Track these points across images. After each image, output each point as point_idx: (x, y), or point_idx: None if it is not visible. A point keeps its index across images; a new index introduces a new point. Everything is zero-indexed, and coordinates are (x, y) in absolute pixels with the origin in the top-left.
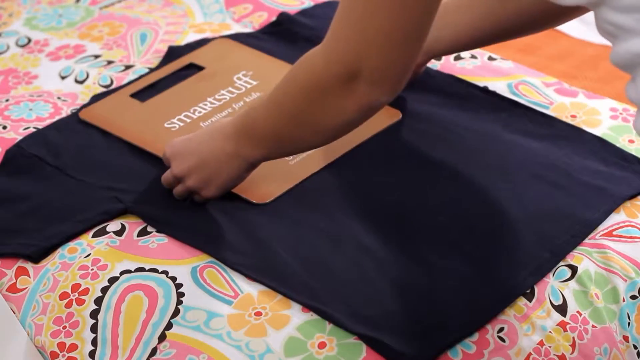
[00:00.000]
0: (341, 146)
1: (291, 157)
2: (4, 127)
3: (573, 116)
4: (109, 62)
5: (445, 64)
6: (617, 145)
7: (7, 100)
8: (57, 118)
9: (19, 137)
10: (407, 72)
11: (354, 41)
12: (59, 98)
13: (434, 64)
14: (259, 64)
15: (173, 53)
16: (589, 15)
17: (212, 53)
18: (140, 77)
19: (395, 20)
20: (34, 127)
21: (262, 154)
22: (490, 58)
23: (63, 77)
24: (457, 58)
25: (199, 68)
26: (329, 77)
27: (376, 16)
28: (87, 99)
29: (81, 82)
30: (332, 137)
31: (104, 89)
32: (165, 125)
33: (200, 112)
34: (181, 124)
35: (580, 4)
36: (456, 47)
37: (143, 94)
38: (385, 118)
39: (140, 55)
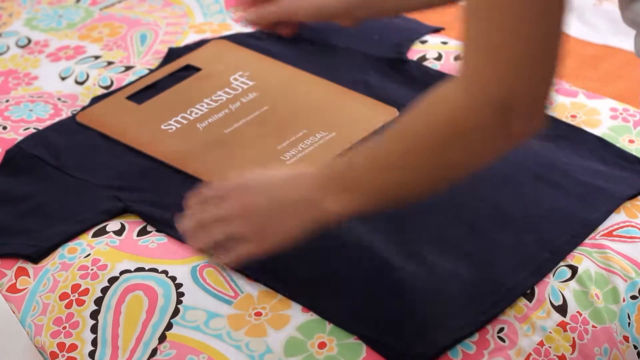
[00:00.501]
0: (339, 145)
1: (288, 157)
2: (4, 128)
3: (573, 116)
4: (109, 63)
5: (445, 64)
6: (617, 145)
7: (7, 101)
8: (57, 119)
9: (19, 138)
10: (552, 95)
11: (503, 72)
12: (59, 99)
13: (434, 64)
14: (256, 65)
15: (173, 54)
16: (590, 16)
17: (208, 54)
18: (138, 79)
19: (541, 42)
20: (35, 128)
21: (352, 208)
22: None
23: (63, 78)
24: (458, 58)
25: (196, 69)
26: (477, 116)
27: (523, 40)
28: (87, 100)
29: (81, 83)
30: (459, 180)
31: (104, 90)
32: (162, 127)
33: (197, 113)
34: (178, 126)
35: None
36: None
37: (140, 96)
38: (382, 115)
39: (141, 56)
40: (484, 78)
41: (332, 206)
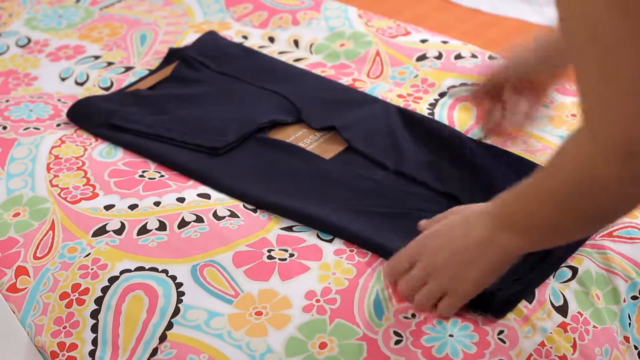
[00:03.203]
0: None
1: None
2: (4, 128)
3: (574, 115)
4: (109, 64)
5: (445, 63)
6: None
7: (7, 101)
8: (57, 120)
9: (19, 137)
10: None
11: (626, 118)
12: (59, 100)
13: (434, 62)
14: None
15: (173, 55)
16: None
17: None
18: (139, 80)
19: None
20: (35, 128)
21: (522, 244)
22: (491, 57)
23: (63, 79)
24: (458, 57)
25: None
26: (606, 165)
27: (629, 79)
28: None
29: (81, 84)
30: (609, 224)
31: (104, 92)
32: None
33: None
34: None
35: None
36: None
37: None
38: None
39: (141, 57)
40: (608, 127)
41: (504, 240)
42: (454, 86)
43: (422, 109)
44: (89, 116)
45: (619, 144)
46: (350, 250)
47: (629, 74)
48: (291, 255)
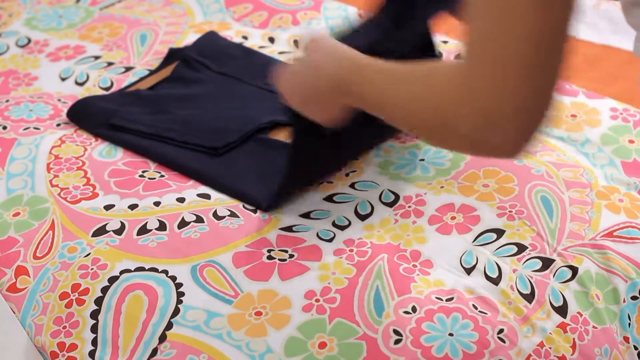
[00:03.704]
0: None
1: None
2: (4, 128)
3: (573, 115)
4: (109, 64)
5: None
6: (617, 145)
7: (7, 101)
8: (57, 120)
9: (19, 137)
10: (546, 118)
11: (494, 83)
12: (59, 100)
13: None
14: None
15: (174, 55)
16: (590, 16)
17: None
18: (140, 79)
19: (536, 65)
20: (35, 128)
21: (355, 107)
22: None
23: (63, 79)
24: (458, 57)
25: None
26: (461, 120)
27: (518, 58)
28: None
29: (81, 84)
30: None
31: (104, 92)
32: None
33: None
34: None
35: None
36: None
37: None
38: None
39: (141, 57)
40: (476, 84)
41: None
42: None
43: None
44: (89, 116)
45: (481, 106)
46: (350, 250)
47: (506, 44)
48: (291, 256)
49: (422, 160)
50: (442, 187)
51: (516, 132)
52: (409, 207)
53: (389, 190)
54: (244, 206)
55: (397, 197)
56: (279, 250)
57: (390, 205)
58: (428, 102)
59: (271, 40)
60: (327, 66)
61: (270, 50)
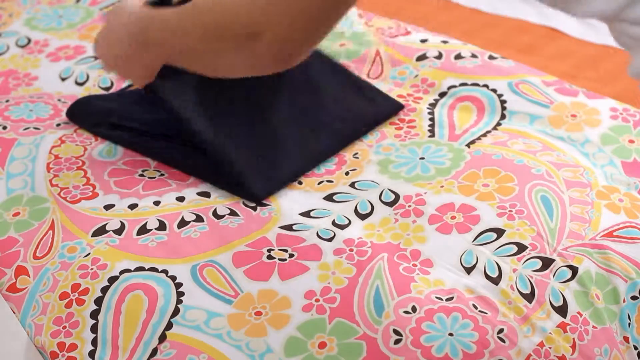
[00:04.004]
0: None
1: None
2: (4, 128)
3: (573, 115)
4: None
5: (445, 63)
6: (617, 145)
7: (7, 101)
8: (57, 119)
9: (19, 137)
10: (305, 48)
11: (256, 5)
12: (59, 100)
13: (434, 62)
14: None
15: None
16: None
17: None
18: None
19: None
20: (35, 128)
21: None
22: (490, 57)
23: (63, 79)
24: (458, 57)
25: None
26: (234, 33)
27: None
28: None
29: (81, 84)
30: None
31: (104, 91)
32: None
33: None
34: None
35: (593, 17)
36: None
37: None
38: None
39: None
40: (243, 6)
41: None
42: (454, 86)
43: (422, 109)
44: (88, 115)
45: (243, 23)
46: (349, 250)
47: None
48: (291, 255)
49: (422, 158)
50: (442, 186)
51: (278, 43)
52: (409, 206)
53: (389, 189)
54: (243, 203)
55: (397, 196)
56: (279, 249)
57: (390, 204)
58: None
59: None
60: (125, 26)
61: None
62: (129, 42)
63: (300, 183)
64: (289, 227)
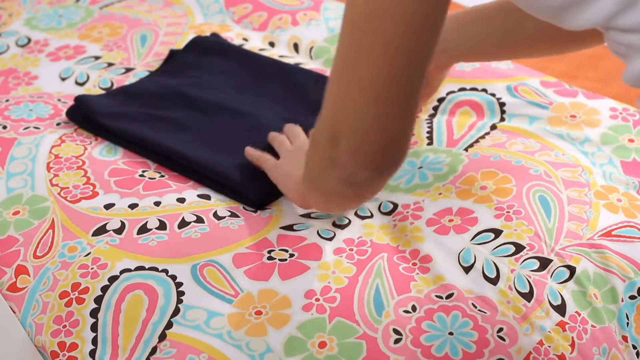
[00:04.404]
0: None
1: None
2: (4, 127)
3: (573, 116)
4: (109, 64)
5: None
6: (617, 144)
7: (7, 101)
8: (57, 119)
9: (19, 137)
10: (393, 142)
11: (334, 109)
12: (59, 100)
13: None
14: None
15: (173, 56)
16: None
17: None
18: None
19: (378, 78)
20: (35, 127)
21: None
22: None
23: (63, 79)
24: None
25: None
26: (316, 141)
27: (356, 69)
28: None
29: (81, 85)
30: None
31: (104, 92)
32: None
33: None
34: None
35: (587, 28)
36: (476, 56)
37: None
38: None
39: (141, 58)
40: (323, 113)
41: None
42: (452, 92)
43: (421, 118)
44: (88, 114)
45: (325, 128)
46: (349, 249)
47: (348, 72)
48: (291, 255)
49: (421, 168)
50: (440, 193)
51: (356, 147)
52: (407, 212)
53: (387, 201)
54: (243, 207)
55: (395, 206)
56: (279, 250)
57: (388, 214)
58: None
59: (271, 44)
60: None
61: (270, 54)
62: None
63: None
64: (289, 227)
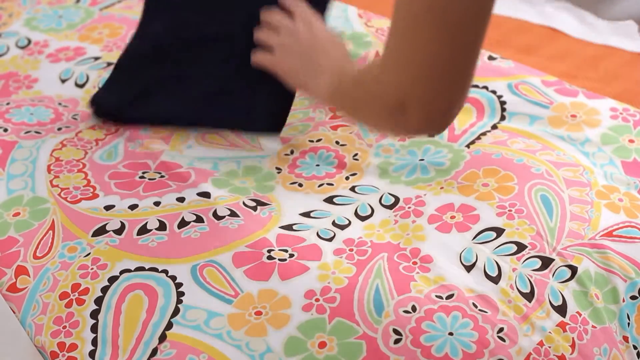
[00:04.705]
0: None
1: None
2: (5, 130)
3: (573, 116)
4: (109, 64)
5: None
6: (618, 145)
7: (8, 104)
8: (58, 124)
9: (20, 140)
10: (454, 107)
11: (401, 78)
12: (59, 104)
13: None
14: None
15: None
16: (589, 15)
17: None
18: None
19: (441, 57)
20: (36, 132)
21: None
22: (490, 57)
23: (63, 81)
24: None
25: None
26: (382, 109)
27: (420, 51)
28: (87, 105)
29: (81, 86)
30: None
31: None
32: None
33: None
34: None
35: (620, 20)
36: None
37: None
38: None
39: None
40: (385, 79)
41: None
42: None
43: None
44: (108, 111)
45: (390, 98)
46: (349, 250)
47: (414, 40)
48: (291, 255)
49: (422, 160)
50: (441, 187)
51: (425, 114)
52: (409, 207)
53: (389, 193)
54: (243, 203)
55: (397, 199)
56: (279, 249)
57: (390, 207)
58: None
59: None
60: (326, 57)
61: None
62: (323, 73)
63: (300, 185)
64: (289, 227)
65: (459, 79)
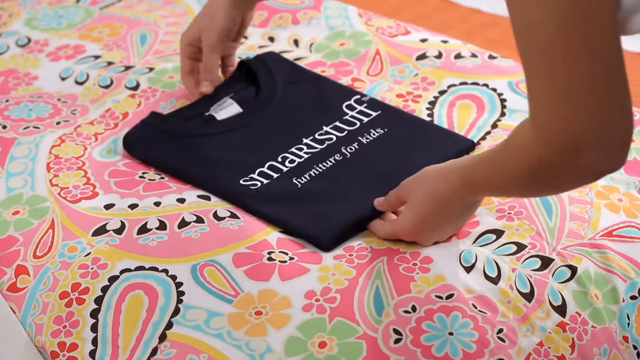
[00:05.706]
0: None
1: None
2: (4, 127)
3: None
4: (109, 63)
5: (445, 62)
6: None
7: (7, 101)
8: (56, 118)
9: (19, 137)
10: (630, 130)
11: (571, 115)
12: (59, 99)
13: (434, 61)
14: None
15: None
16: None
17: None
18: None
19: (603, 81)
20: (34, 127)
21: (481, 198)
22: (490, 57)
23: (63, 79)
24: (458, 57)
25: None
26: (551, 161)
27: (586, 80)
28: (87, 100)
29: (81, 84)
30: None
31: (105, 90)
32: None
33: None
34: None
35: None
36: None
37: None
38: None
39: (141, 57)
40: (553, 123)
41: (473, 199)
42: (453, 85)
43: (422, 109)
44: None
45: (563, 142)
46: (349, 255)
47: (574, 70)
48: (291, 258)
49: None
50: None
51: (599, 150)
52: None
53: None
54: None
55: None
56: (279, 252)
57: None
58: (524, 170)
59: (271, 39)
60: (444, 188)
61: (271, 49)
62: (460, 208)
63: None
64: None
65: (622, 94)
